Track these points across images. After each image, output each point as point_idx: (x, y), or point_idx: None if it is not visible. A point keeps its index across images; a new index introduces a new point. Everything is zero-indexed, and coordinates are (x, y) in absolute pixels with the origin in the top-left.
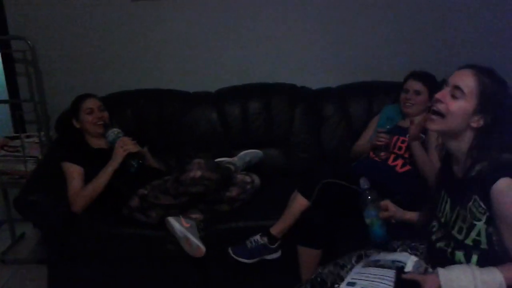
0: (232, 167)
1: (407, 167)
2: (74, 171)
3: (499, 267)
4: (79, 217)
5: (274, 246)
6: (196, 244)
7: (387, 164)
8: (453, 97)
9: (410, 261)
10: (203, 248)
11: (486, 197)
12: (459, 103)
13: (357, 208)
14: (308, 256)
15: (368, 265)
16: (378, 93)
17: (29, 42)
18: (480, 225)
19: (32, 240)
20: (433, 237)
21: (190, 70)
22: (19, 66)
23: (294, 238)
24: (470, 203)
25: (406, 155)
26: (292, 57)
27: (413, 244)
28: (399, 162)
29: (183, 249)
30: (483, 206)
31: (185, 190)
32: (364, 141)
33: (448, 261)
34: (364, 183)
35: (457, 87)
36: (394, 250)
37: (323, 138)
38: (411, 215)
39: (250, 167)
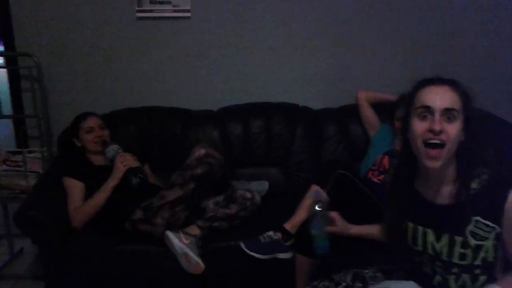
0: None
1: None
2: (74, 187)
3: (500, 282)
4: (78, 233)
5: (287, 244)
6: (195, 261)
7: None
8: (449, 120)
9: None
10: (202, 265)
11: (494, 214)
12: (456, 124)
13: (363, 211)
14: (304, 264)
15: None
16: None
17: (35, 59)
18: (489, 243)
19: (30, 255)
20: (417, 259)
21: (192, 89)
22: (24, 82)
23: (294, 248)
24: (470, 226)
25: None
26: (294, 77)
27: (386, 267)
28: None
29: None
30: (490, 224)
31: (191, 173)
32: None
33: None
34: (317, 194)
35: (449, 109)
36: (363, 277)
37: (324, 159)
38: (357, 230)
39: None
